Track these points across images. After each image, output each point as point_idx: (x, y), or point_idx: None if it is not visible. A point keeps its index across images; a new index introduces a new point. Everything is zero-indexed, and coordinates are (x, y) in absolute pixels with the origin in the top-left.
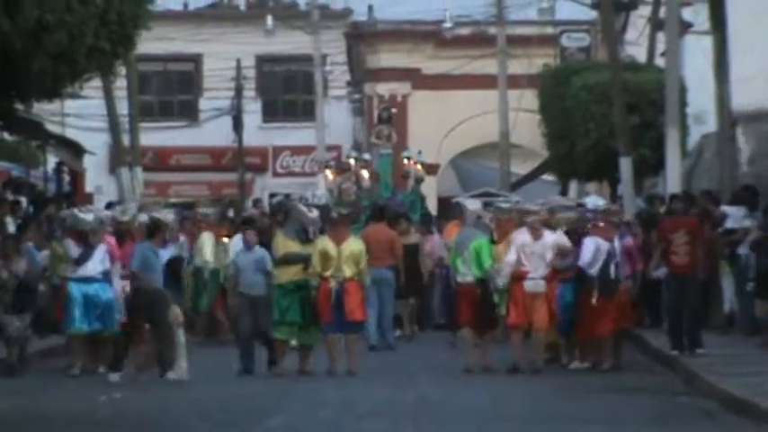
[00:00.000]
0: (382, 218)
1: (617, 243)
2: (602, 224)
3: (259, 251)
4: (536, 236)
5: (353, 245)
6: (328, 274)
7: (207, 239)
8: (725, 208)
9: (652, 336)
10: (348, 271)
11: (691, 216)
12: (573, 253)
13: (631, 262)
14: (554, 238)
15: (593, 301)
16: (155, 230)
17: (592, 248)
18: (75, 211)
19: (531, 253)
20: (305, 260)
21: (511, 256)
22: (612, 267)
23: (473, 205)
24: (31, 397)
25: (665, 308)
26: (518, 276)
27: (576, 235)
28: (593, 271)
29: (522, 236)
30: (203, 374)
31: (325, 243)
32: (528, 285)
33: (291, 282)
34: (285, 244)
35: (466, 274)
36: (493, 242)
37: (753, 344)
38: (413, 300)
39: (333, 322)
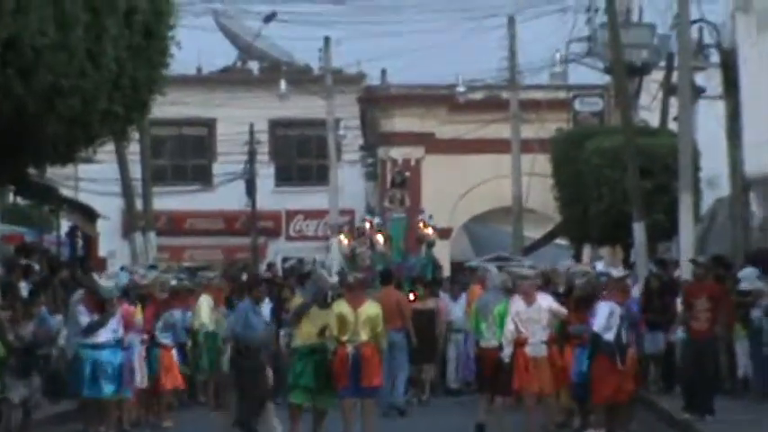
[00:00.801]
0: (390, 281)
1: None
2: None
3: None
4: (529, 301)
5: (370, 309)
6: (345, 338)
7: (204, 302)
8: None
9: (665, 400)
10: (365, 335)
11: (713, 282)
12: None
13: (636, 328)
14: (548, 303)
15: (619, 365)
16: (253, 286)
17: (606, 313)
18: (96, 276)
19: (527, 319)
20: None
21: (509, 326)
22: (623, 332)
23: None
24: None
25: (679, 371)
26: (519, 343)
27: (588, 300)
28: (609, 336)
29: (516, 303)
30: None
31: (342, 307)
32: (528, 351)
33: (306, 345)
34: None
35: (489, 338)
36: None
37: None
38: (429, 366)
39: (349, 387)
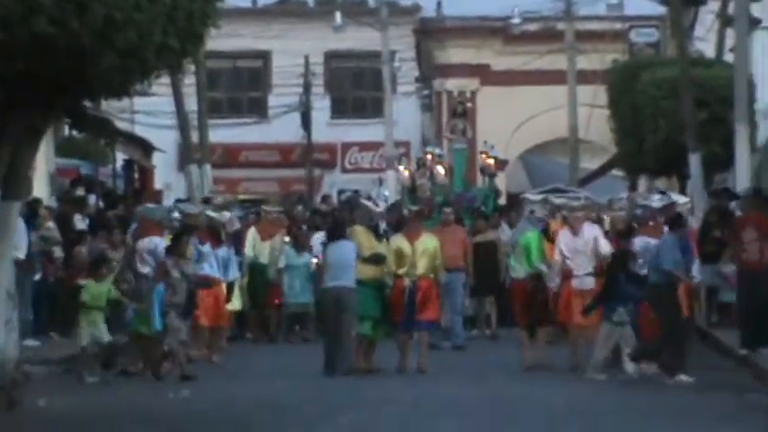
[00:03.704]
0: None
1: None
2: (651, 223)
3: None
4: (575, 232)
5: (428, 242)
6: (402, 272)
7: (250, 235)
8: None
9: (721, 333)
10: (422, 268)
11: (759, 213)
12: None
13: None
14: (594, 233)
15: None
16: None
17: (641, 249)
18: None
19: (573, 250)
20: (383, 259)
21: (556, 257)
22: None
23: (534, 200)
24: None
25: (735, 305)
26: (565, 275)
27: (628, 233)
28: (645, 271)
29: (563, 234)
30: (267, 373)
31: (399, 241)
32: (574, 283)
33: (369, 278)
34: (369, 240)
35: (518, 269)
36: (548, 238)
37: None
38: (491, 298)
39: (405, 321)
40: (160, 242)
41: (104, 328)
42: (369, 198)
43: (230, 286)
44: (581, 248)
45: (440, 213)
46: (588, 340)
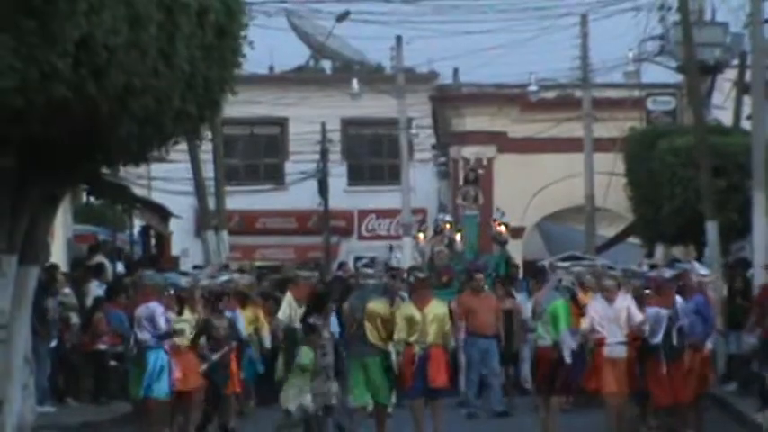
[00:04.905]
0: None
1: (686, 305)
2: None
3: None
4: (610, 300)
5: (437, 308)
6: (413, 339)
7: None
8: None
9: (740, 401)
10: (432, 336)
11: None
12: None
13: (705, 323)
14: (627, 303)
15: (663, 371)
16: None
17: (651, 318)
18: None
19: (605, 318)
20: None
21: (585, 324)
22: (675, 333)
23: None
24: None
25: (755, 373)
26: (597, 343)
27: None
28: (657, 340)
29: (596, 302)
30: None
31: (409, 308)
32: (606, 351)
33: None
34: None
35: (544, 337)
36: (577, 306)
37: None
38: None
39: (417, 387)
40: (157, 308)
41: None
42: (387, 266)
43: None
44: (613, 317)
45: (459, 281)
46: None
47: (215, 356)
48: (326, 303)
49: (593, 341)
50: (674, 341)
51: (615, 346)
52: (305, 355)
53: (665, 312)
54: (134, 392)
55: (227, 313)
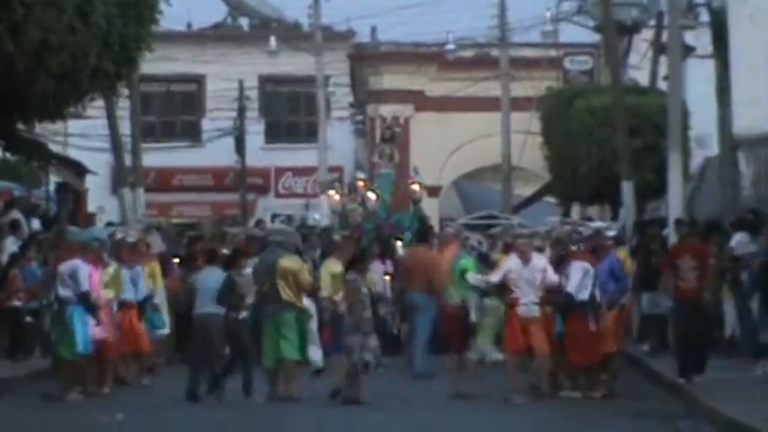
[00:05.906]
0: (426, 239)
1: (600, 265)
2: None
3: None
4: (525, 260)
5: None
6: (339, 297)
7: None
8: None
9: (654, 361)
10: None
11: (697, 241)
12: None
13: (617, 282)
14: (543, 264)
15: (592, 327)
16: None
17: (580, 274)
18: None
19: (520, 278)
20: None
21: (494, 277)
22: (597, 292)
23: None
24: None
25: (672, 335)
26: (511, 303)
27: (563, 259)
28: (583, 296)
29: (511, 261)
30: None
31: (334, 265)
32: (521, 311)
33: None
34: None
35: (453, 295)
36: (488, 266)
37: (755, 368)
38: None
39: (334, 344)
40: (81, 265)
41: None
42: (303, 224)
43: (141, 306)
44: (528, 277)
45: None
46: (543, 367)
47: (242, 314)
48: (364, 260)
49: (507, 300)
50: (598, 298)
51: (530, 306)
52: None
53: (591, 271)
54: (63, 352)
55: (126, 269)
